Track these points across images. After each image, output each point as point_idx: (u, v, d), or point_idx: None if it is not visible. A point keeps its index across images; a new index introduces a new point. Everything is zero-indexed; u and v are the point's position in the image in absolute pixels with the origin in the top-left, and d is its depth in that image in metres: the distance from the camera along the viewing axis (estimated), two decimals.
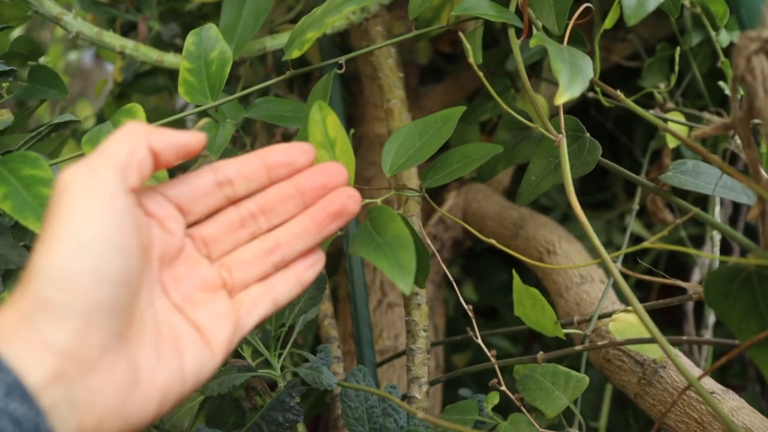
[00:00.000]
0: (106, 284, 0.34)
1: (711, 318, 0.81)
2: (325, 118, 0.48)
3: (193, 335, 0.40)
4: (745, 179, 0.38)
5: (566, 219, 1.05)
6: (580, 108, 0.98)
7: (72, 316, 0.33)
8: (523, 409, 0.51)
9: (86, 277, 0.34)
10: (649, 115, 0.47)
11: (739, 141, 0.65)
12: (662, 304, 0.56)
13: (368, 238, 0.45)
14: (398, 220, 0.45)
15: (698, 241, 0.94)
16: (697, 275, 0.87)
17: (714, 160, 0.40)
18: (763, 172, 0.37)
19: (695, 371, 0.58)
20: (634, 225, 0.98)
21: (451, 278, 0.55)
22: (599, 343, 0.52)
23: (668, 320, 0.99)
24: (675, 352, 0.61)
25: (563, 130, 0.50)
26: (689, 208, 0.46)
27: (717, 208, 0.63)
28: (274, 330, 0.57)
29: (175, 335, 0.39)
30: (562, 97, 0.44)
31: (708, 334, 0.81)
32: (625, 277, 0.42)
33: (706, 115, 0.40)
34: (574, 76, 0.46)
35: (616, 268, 0.66)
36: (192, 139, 0.40)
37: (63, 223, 0.35)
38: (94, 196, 0.35)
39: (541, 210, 1.05)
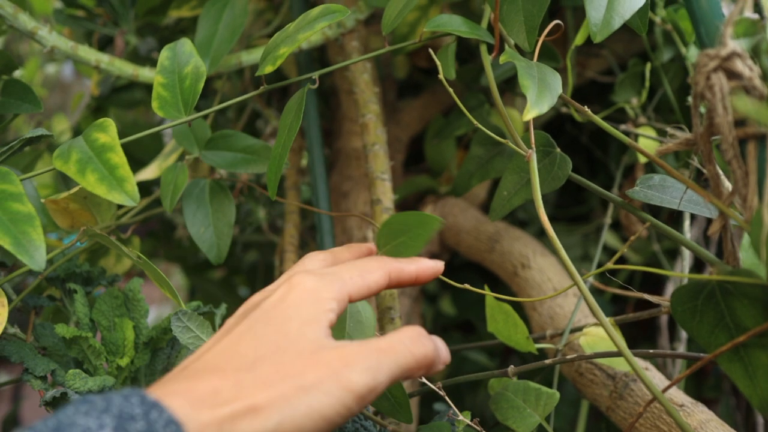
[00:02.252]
0: None
1: (684, 331, 0.81)
2: None
3: None
4: (707, 194, 0.39)
5: (543, 233, 1.05)
6: (555, 123, 0.99)
7: None
8: None
9: None
10: (614, 130, 0.47)
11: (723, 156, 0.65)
12: (631, 318, 0.56)
13: None
14: None
15: (674, 255, 0.95)
16: (672, 288, 0.88)
17: (676, 175, 0.40)
18: (724, 187, 0.38)
19: (666, 384, 0.58)
20: (610, 239, 0.98)
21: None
22: (568, 357, 0.52)
23: (644, 333, 0.99)
24: (645, 365, 0.62)
25: (533, 146, 0.51)
26: (650, 221, 0.46)
27: (687, 223, 0.64)
28: None
29: None
30: (530, 113, 0.45)
31: (681, 347, 0.81)
32: (600, 291, 0.42)
33: (669, 129, 0.40)
34: (542, 93, 0.46)
35: (585, 282, 0.66)
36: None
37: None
38: None
39: (518, 224, 1.06)
